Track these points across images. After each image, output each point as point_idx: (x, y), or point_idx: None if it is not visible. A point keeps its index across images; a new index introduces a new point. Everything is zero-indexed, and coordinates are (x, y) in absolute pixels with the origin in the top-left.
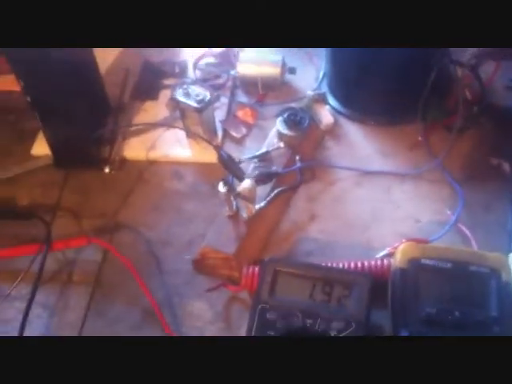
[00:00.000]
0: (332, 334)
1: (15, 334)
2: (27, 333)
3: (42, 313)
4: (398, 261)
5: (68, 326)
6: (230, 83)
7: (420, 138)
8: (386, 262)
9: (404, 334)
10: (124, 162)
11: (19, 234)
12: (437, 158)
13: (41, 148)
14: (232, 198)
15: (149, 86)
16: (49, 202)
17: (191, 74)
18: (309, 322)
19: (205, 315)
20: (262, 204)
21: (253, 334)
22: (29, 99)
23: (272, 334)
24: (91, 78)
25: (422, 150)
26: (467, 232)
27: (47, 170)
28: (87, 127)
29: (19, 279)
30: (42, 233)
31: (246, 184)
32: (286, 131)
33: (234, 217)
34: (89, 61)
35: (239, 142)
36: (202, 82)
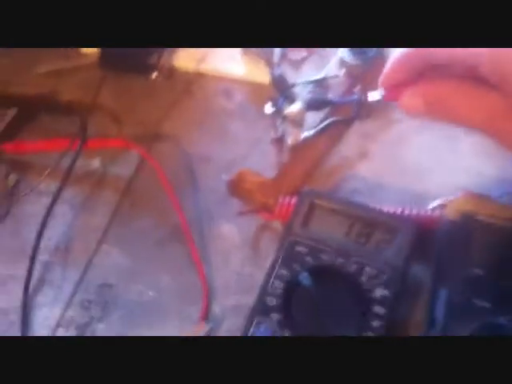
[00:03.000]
0: (363, 280)
1: (37, 228)
2: (48, 230)
3: (68, 211)
4: (450, 212)
5: (91, 230)
6: None
7: None
8: (436, 212)
9: (443, 293)
10: (172, 70)
11: (57, 129)
12: None
13: None
14: (279, 122)
15: None
16: (90, 101)
17: None
18: (340, 261)
19: (233, 239)
20: (311, 132)
21: (278, 265)
22: None
23: (298, 268)
24: None
25: None
26: None
27: (93, 68)
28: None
29: (47, 172)
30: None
31: (295, 107)
32: (349, 58)
33: (279, 142)
34: None
35: (297, 65)
36: None
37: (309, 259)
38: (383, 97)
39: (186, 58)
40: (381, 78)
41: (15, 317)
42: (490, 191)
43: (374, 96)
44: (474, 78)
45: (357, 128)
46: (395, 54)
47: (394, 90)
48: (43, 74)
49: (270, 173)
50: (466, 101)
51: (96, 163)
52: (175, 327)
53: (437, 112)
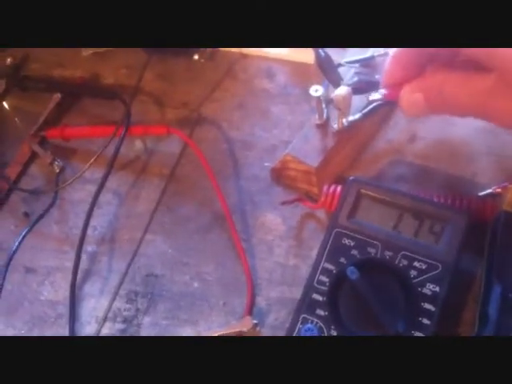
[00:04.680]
0: (413, 275)
1: (83, 216)
2: (94, 219)
3: (112, 199)
4: (505, 202)
5: (136, 216)
6: None
7: None
8: (489, 202)
9: (497, 289)
10: (215, 51)
11: (100, 114)
12: None
13: None
14: (324, 106)
15: None
16: (133, 84)
17: None
18: (388, 254)
19: (277, 229)
20: (357, 116)
21: (323, 259)
22: None
23: (344, 262)
24: None
25: None
26: None
27: (136, 50)
28: None
29: (93, 159)
30: (122, 116)
31: (340, 91)
32: None
33: (323, 127)
34: None
35: None
36: None
37: (355, 252)
38: (384, 96)
39: None
40: (382, 78)
41: (63, 309)
42: None
43: (374, 96)
44: (466, 62)
45: None
46: (392, 51)
47: (395, 88)
48: (88, 55)
49: (314, 159)
50: (459, 86)
51: (139, 144)
52: (221, 321)
53: (437, 104)
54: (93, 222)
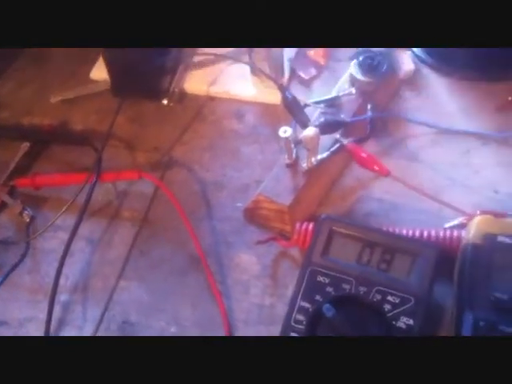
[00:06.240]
0: (387, 309)
1: (55, 265)
2: (66, 268)
3: (85, 247)
4: (471, 234)
5: (110, 263)
6: None
7: (510, 98)
8: (456, 233)
9: (469, 318)
10: (183, 95)
11: (70, 161)
12: None
13: (100, 72)
14: (292, 146)
15: None
16: (103, 129)
17: None
18: (362, 290)
19: (252, 269)
20: (325, 155)
21: (300, 296)
22: None
23: (320, 299)
24: None
25: (511, 113)
26: None
27: (105, 96)
28: (149, 54)
29: (65, 208)
30: (93, 162)
31: (308, 131)
32: (359, 76)
33: (293, 166)
34: None
35: (307, 84)
36: None
37: (330, 289)
38: None
39: (196, 82)
40: None
41: None
42: (505, 208)
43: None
44: None
45: (370, 146)
46: None
47: None
48: (57, 102)
49: (285, 198)
50: None
51: (109, 188)
52: None
53: None
54: (65, 271)
